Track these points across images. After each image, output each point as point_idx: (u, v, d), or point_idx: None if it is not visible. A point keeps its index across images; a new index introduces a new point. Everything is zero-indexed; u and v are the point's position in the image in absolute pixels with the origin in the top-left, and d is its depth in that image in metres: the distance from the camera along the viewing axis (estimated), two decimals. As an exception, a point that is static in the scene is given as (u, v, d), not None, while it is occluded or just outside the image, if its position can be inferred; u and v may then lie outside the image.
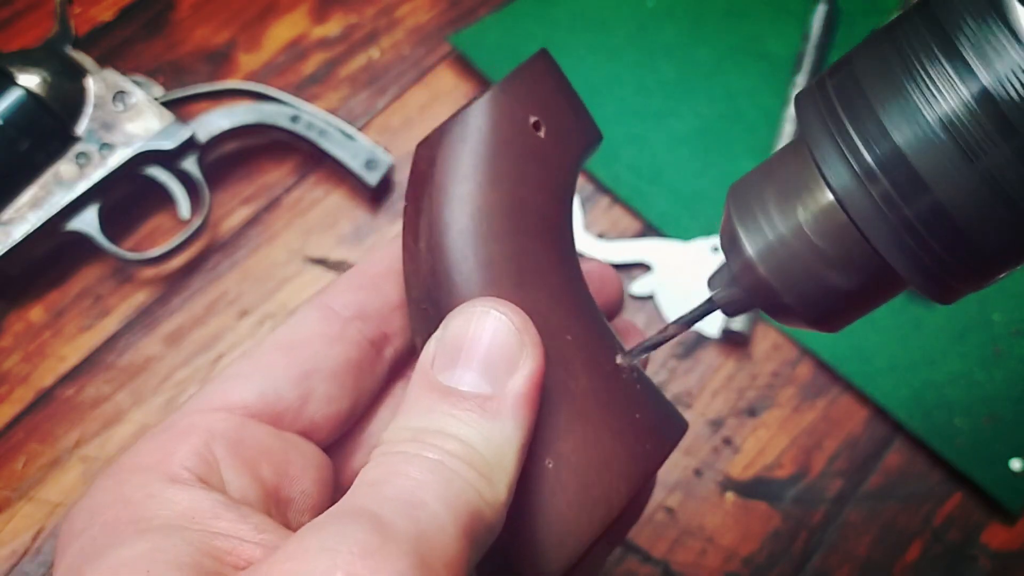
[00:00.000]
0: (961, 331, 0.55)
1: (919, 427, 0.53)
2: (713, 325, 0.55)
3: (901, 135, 0.23)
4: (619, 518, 0.28)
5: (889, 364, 0.54)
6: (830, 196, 0.25)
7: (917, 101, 0.23)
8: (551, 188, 0.29)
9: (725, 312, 0.29)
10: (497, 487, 0.24)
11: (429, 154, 0.29)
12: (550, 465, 0.27)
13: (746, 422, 0.54)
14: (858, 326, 0.55)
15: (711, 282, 0.30)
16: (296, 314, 0.31)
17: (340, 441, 0.32)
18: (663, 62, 0.63)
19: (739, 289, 0.28)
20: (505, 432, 0.25)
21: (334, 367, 0.30)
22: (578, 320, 0.29)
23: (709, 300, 0.30)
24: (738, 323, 0.54)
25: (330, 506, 0.29)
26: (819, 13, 0.63)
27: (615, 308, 0.35)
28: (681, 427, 0.30)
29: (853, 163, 0.24)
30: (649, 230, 0.58)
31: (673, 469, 0.52)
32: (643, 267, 0.57)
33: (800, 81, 0.61)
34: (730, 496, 0.52)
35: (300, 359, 0.29)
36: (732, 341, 0.55)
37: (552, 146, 0.30)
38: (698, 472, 0.52)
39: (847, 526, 0.52)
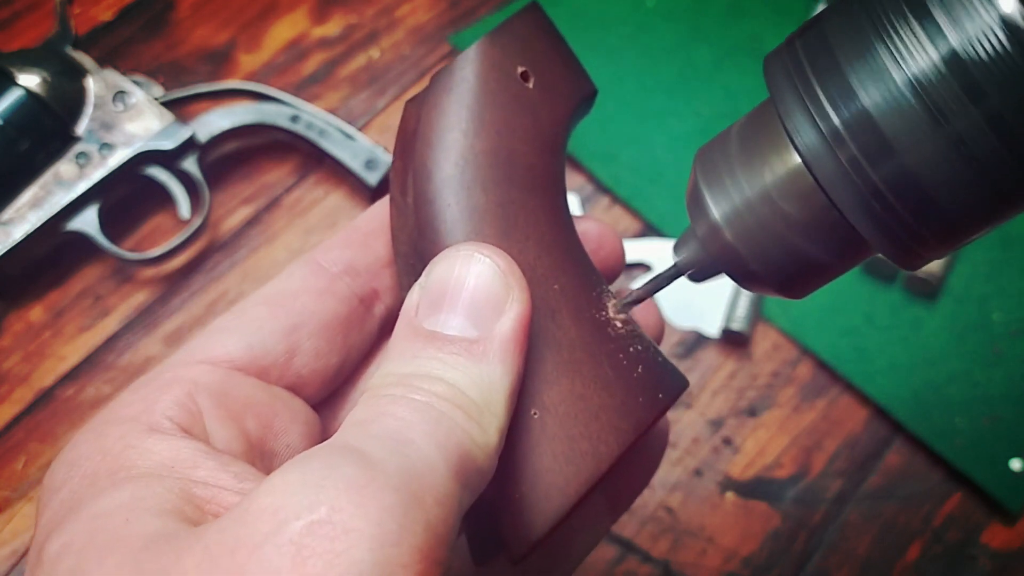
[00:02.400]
0: (961, 331, 0.55)
1: (919, 427, 0.53)
2: (713, 325, 0.55)
3: (869, 97, 0.23)
4: (609, 474, 0.27)
5: (889, 364, 0.54)
6: (797, 159, 0.25)
7: (886, 61, 0.22)
8: (540, 139, 0.29)
9: (691, 278, 0.29)
10: (487, 431, 0.24)
11: (416, 109, 0.29)
12: (535, 415, 0.26)
13: (746, 422, 0.54)
14: (858, 326, 0.55)
15: (677, 247, 0.29)
16: (284, 270, 0.30)
17: (329, 399, 0.31)
18: (663, 62, 0.63)
19: (705, 254, 0.27)
20: (494, 375, 0.24)
21: (322, 322, 0.29)
22: (567, 271, 0.28)
23: (674, 266, 0.29)
24: (738, 323, 0.54)
25: None
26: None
27: (615, 268, 0.35)
28: (679, 385, 0.29)
29: (820, 125, 0.23)
30: (649, 230, 0.58)
31: (673, 469, 0.52)
32: (643, 267, 0.57)
33: (800, 81, 0.61)
34: (730, 496, 0.52)
35: (287, 312, 0.29)
36: (732, 341, 0.55)
37: (541, 97, 0.29)
38: (698, 472, 0.52)
39: (847, 526, 0.52)
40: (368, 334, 0.31)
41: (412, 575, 0.19)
